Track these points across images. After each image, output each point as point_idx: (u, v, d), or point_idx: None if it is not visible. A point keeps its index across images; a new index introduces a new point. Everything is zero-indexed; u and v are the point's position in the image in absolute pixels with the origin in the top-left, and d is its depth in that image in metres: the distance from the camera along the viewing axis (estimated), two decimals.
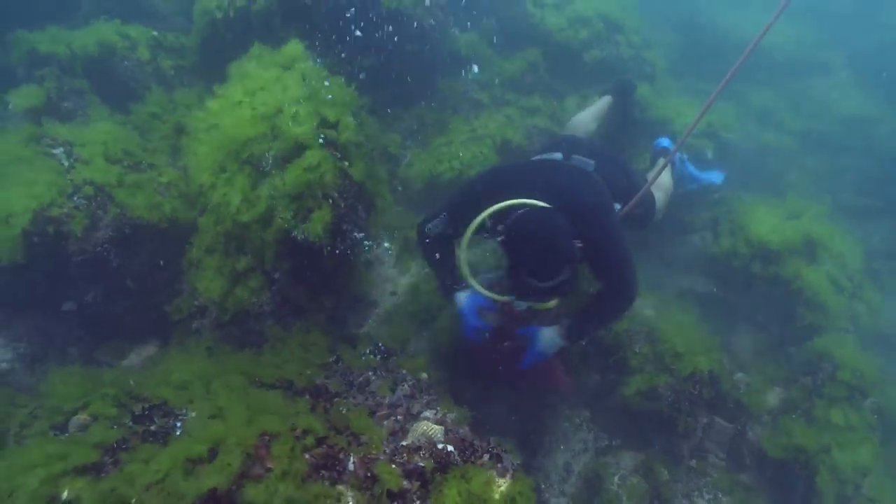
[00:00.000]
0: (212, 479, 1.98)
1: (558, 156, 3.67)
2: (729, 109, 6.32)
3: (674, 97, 6.00)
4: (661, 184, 4.46)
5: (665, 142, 4.95)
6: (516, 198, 2.89)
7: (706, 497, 3.98)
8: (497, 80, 5.99)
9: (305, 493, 2.02)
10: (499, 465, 2.28)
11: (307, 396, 2.79)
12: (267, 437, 2.19)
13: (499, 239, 2.80)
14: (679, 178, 5.04)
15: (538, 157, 3.82)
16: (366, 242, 3.98)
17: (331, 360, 3.31)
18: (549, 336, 3.25)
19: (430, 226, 3.36)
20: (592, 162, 3.55)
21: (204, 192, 3.75)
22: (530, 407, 4.07)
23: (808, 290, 5.00)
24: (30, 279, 3.46)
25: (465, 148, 5.31)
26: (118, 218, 3.48)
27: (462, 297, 3.28)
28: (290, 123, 3.66)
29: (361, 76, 5.00)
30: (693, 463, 4.15)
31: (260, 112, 3.69)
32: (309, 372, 3.07)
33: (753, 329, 5.16)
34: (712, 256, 5.33)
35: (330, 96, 4.01)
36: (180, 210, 3.82)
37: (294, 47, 4.18)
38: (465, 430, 2.55)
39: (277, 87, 3.89)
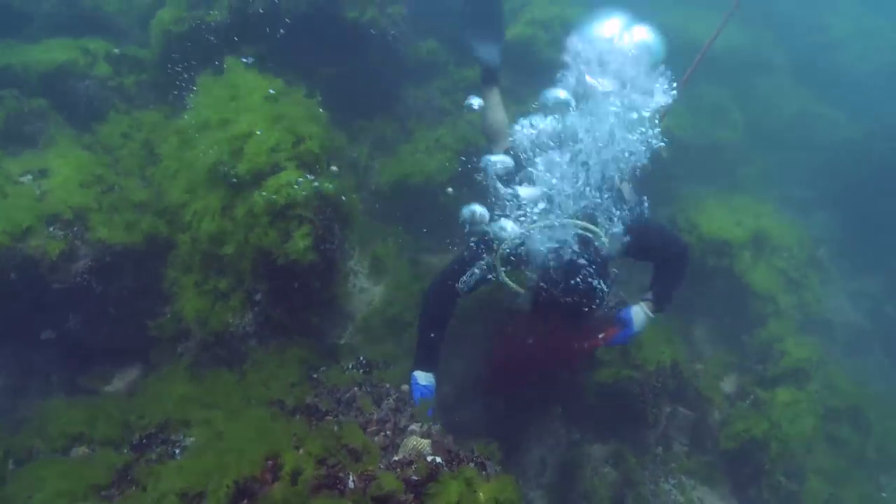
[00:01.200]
0: None
1: None
2: (681, 108, 6.61)
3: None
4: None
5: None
6: None
7: (671, 482, 4.27)
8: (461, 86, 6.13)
9: None
10: (483, 473, 2.47)
11: (299, 416, 2.92)
12: (271, 462, 2.33)
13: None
14: None
15: None
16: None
17: (316, 376, 3.43)
18: (640, 314, 3.54)
19: (463, 281, 3.44)
20: None
21: (179, 211, 3.81)
22: (505, 405, 4.27)
23: (758, 281, 5.34)
24: (8, 308, 3.48)
25: (430, 155, 5.45)
26: (97, 246, 3.52)
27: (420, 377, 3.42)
28: (261, 143, 3.76)
29: (325, 90, 5.12)
30: (659, 450, 4.43)
31: (231, 132, 3.77)
32: (298, 390, 3.19)
33: (710, 321, 5.48)
34: None
35: (299, 114, 4.12)
36: (157, 227, 3.86)
37: (256, 74, 4.26)
38: (449, 440, 2.72)
39: (247, 107, 3.97)
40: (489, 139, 4.96)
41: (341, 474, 2.35)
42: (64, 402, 3.02)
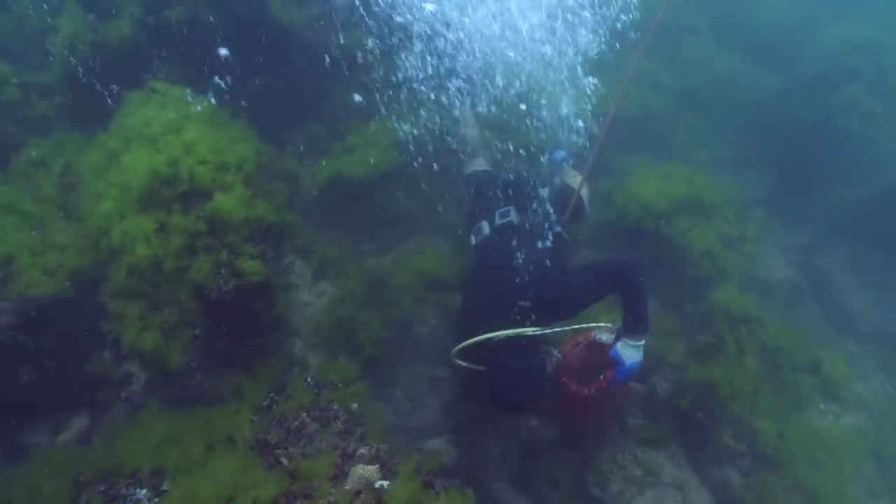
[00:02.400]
0: None
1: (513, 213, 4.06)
2: (608, 80, 6.67)
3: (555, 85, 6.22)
4: (577, 181, 4.80)
5: (560, 154, 5.20)
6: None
7: (628, 456, 4.43)
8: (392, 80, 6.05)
9: None
10: (431, 491, 2.53)
11: (251, 452, 2.93)
12: None
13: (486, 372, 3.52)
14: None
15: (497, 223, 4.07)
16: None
17: (265, 404, 3.43)
18: (626, 348, 3.56)
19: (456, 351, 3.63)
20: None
21: (110, 242, 3.69)
22: (461, 403, 4.35)
23: (694, 245, 5.49)
24: None
25: (364, 150, 5.40)
26: (18, 301, 3.41)
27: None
28: (190, 167, 3.69)
29: (253, 100, 5.01)
30: (616, 427, 4.58)
31: (159, 158, 3.68)
32: (248, 423, 3.19)
33: (653, 291, 5.62)
34: (606, 222, 5.73)
35: (229, 133, 4.04)
36: (83, 261, 3.75)
37: (180, 91, 4.15)
38: (398, 459, 2.78)
39: (174, 130, 3.88)
40: (464, 154, 4.97)
41: None
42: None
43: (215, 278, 3.49)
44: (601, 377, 3.75)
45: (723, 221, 5.78)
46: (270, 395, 3.55)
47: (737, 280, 5.51)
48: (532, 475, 4.32)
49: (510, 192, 4.24)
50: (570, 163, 5.26)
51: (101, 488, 2.88)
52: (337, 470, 2.71)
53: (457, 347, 3.52)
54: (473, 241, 4.12)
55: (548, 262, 3.69)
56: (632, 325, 3.55)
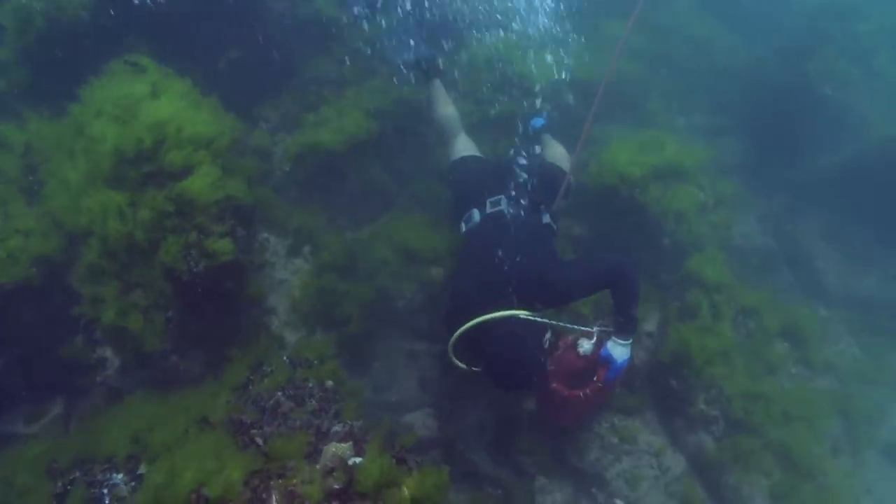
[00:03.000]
0: None
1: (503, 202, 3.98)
2: (581, 47, 6.58)
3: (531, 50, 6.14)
4: (561, 156, 4.83)
5: (539, 122, 5.13)
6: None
7: (604, 425, 4.51)
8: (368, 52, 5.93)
9: None
10: (404, 466, 2.56)
11: (225, 433, 2.93)
12: (195, 495, 2.35)
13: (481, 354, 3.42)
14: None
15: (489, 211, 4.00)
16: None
17: (241, 384, 3.43)
18: (616, 347, 3.65)
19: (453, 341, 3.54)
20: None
21: (77, 221, 3.62)
22: (439, 377, 4.39)
23: (669, 212, 5.51)
24: None
25: (338, 122, 5.30)
26: None
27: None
28: (160, 144, 3.61)
29: (225, 76, 4.89)
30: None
31: (128, 133, 3.59)
32: (224, 404, 3.19)
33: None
34: (581, 190, 5.71)
35: (202, 112, 3.95)
36: (50, 247, 3.67)
37: (150, 65, 4.04)
38: (372, 436, 2.80)
39: (144, 105, 3.77)
40: (439, 135, 4.86)
41: (264, 495, 2.39)
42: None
43: (185, 260, 3.44)
44: (594, 378, 3.80)
45: (698, 189, 5.79)
46: (248, 375, 3.55)
47: (711, 247, 5.55)
48: (510, 446, 4.39)
49: (500, 178, 4.17)
50: (550, 130, 5.22)
51: (77, 474, 2.88)
52: (311, 448, 2.72)
53: (452, 339, 3.44)
54: (463, 228, 4.06)
55: (540, 252, 3.69)
56: (622, 325, 3.63)
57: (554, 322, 3.55)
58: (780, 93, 6.66)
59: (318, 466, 2.56)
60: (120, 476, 2.88)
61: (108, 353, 3.66)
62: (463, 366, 3.60)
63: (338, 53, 5.83)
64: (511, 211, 3.92)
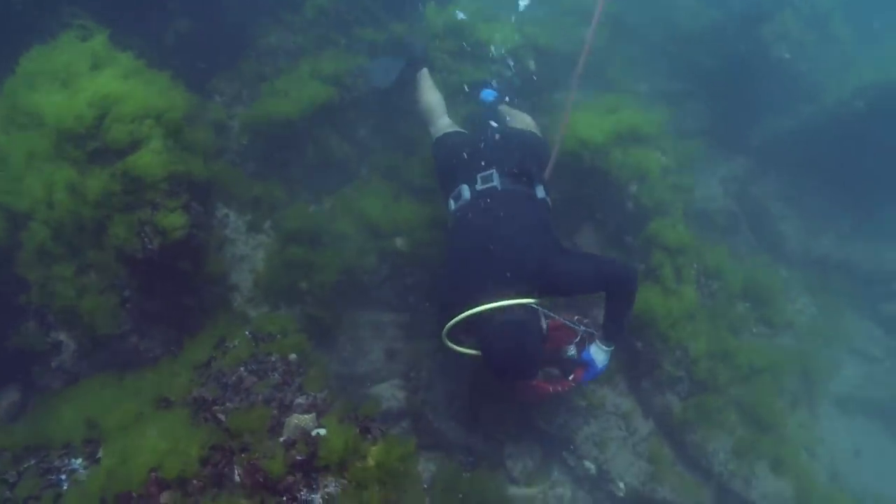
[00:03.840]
0: None
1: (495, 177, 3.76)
2: (540, 15, 6.53)
3: (490, 20, 6.04)
4: (529, 124, 4.79)
5: (489, 94, 5.05)
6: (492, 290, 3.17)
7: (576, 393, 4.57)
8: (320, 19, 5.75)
9: None
10: (368, 436, 2.55)
11: (187, 411, 2.88)
12: (155, 474, 2.30)
13: (478, 342, 3.25)
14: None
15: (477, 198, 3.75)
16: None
17: (203, 362, 3.36)
18: (599, 353, 3.71)
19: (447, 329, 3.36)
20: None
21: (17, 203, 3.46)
22: (404, 347, 4.38)
23: (632, 177, 5.53)
24: None
25: (295, 92, 5.16)
26: None
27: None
28: (108, 120, 3.46)
29: (177, 48, 4.69)
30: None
31: (72, 107, 3.42)
32: (184, 383, 3.13)
33: (594, 225, 5.69)
34: None
35: (152, 87, 3.79)
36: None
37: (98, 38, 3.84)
38: (336, 407, 2.78)
39: (89, 77, 3.60)
40: (425, 120, 4.70)
41: (226, 470, 2.36)
42: None
43: (140, 237, 3.33)
44: (570, 377, 3.81)
45: (660, 153, 5.83)
46: (210, 352, 3.48)
47: (674, 210, 5.60)
48: (479, 414, 4.41)
49: (491, 152, 3.94)
50: (506, 100, 5.17)
51: (32, 462, 2.79)
52: (274, 422, 2.69)
53: (448, 326, 3.23)
54: (453, 205, 3.81)
55: (539, 234, 3.52)
56: (611, 332, 3.67)
57: (547, 312, 3.42)
58: (739, 57, 6.70)
59: (280, 439, 2.53)
60: (79, 461, 2.80)
61: (62, 336, 3.54)
62: (462, 350, 3.40)
63: (293, 23, 5.67)
64: (503, 186, 3.69)
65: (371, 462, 2.46)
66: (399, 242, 4.56)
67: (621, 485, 4.49)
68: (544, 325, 3.34)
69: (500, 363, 3.17)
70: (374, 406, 2.80)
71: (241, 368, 3.17)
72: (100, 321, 3.46)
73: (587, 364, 3.72)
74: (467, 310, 3.12)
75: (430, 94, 4.76)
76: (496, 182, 3.70)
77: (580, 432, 4.55)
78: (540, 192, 3.83)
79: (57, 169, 3.38)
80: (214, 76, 5.29)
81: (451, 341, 3.37)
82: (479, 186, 3.72)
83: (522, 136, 4.34)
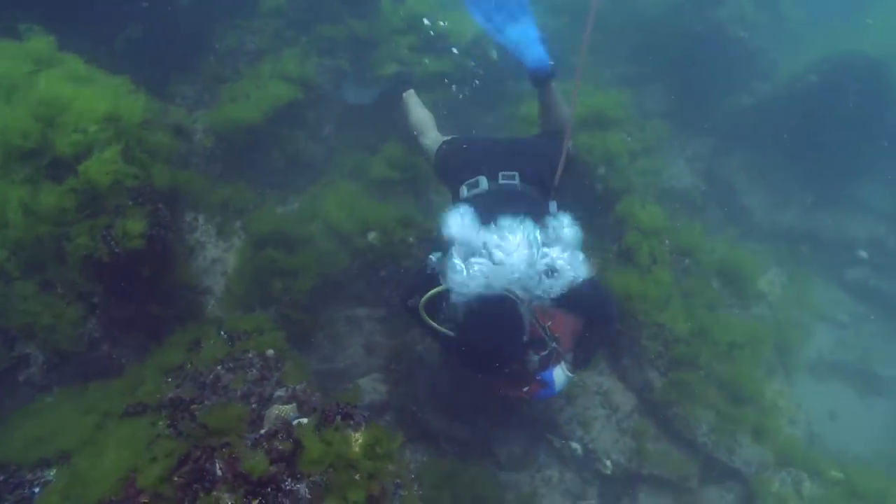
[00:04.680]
0: None
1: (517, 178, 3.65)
2: None
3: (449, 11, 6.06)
4: (565, 115, 4.32)
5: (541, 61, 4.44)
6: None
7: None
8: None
9: None
10: (351, 422, 2.52)
11: (164, 413, 2.82)
12: (132, 475, 2.24)
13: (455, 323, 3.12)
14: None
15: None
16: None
17: (177, 365, 3.29)
18: (561, 376, 3.72)
19: (410, 302, 3.35)
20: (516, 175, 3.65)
21: None
22: (382, 341, 4.35)
23: (601, 160, 5.60)
24: None
25: (257, 94, 5.12)
26: None
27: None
28: (67, 124, 3.36)
29: (131, 52, 4.59)
30: None
31: (21, 126, 3.30)
32: (161, 386, 3.07)
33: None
34: None
35: (107, 90, 3.70)
36: None
37: (43, 42, 3.73)
38: (316, 397, 2.75)
39: (39, 89, 3.48)
40: (416, 134, 4.55)
41: (208, 465, 2.31)
42: None
43: (105, 242, 3.25)
44: (525, 388, 3.76)
45: (626, 135, 5.91)
46: (185, 355, 3.41)
47: (643, 191, 5.68)
48: (461, 399, 4.40)
49: (514, 155, 3.87)
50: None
51: (2, 478, 2.70)
52: (254, 415, 2.65)
53: (425, 296, 3.12)
54: (465, 192, 3.68)
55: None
56: (579, 360, 3.73)
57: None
58: (697, 39, 6.84)
59: (262, 431, 2.49)
60: (53, 472, 2.72)
61: (30, 349, 3.42)
62: (443, 330, 3.26)
63: (251, 24, 5.62)
64: (523, 190, 3.63)
65: (356, 450, 2.44)
66: (371, 237, 4.53)
67: (608, 462, 4.53)
68: (527, 314, 3.20)
69: (477, 355, 3.14)
70: (355, 393, 2.76)
71: (219, 367, 3.11)
72: (62, 336, 3.37)
73: (546, 383, 3.70)
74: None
75: (420, 112, 4.64)
76: (517, 182, 3.65)
77: (563, 413, 4.58)
78: (553, 208, 3.71)
79: (8, 187, 3.27)
80: (174, 80, 5.21)
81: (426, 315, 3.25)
82: (500, 181, 3.67)
83: (549, 146, 3.98)
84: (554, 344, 3.58)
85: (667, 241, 5.30)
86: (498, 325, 3.02)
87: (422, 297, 3.15)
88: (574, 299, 3.27)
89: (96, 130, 3.45)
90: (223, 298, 4.25)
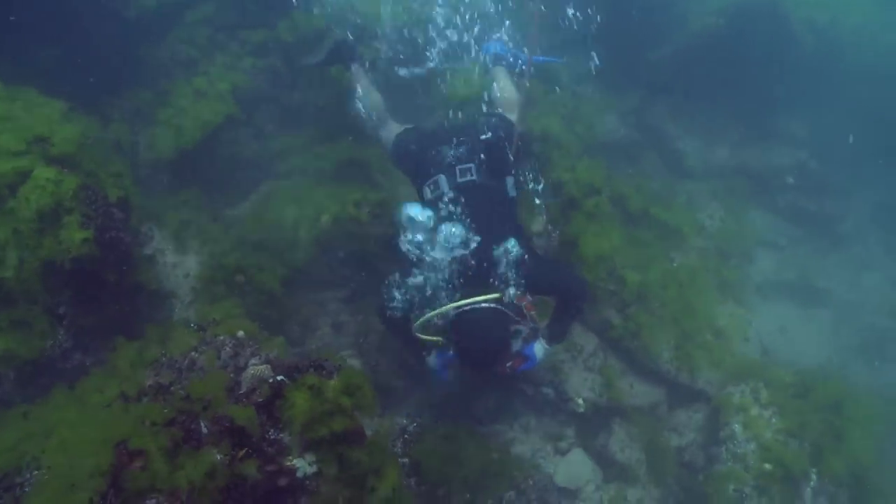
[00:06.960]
0: None
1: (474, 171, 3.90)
2: None
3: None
4: (511, 102, 4.70)
5: (494, 47, 5.02)
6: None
7: None
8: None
9: (177, 466, 2.28)
10: (324, 372, 2.69)
11: (144, 398, 2.92)
12: (123, 446, 2.36)
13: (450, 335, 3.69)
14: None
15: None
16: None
17: (154, 359, 3.38)
18: (541, 350, 4.06)
19: (389, 312, 3.77)
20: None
21: None
22: (349, 319, 4.51)
23: (535, 124, 5.80)
24: None
25: (198, 109, 5.19)
26: None
27: (433, 360, 4.13)
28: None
29: (53, 74, 4.62)
30: None
31: None
32: (137, 377, 3.17)
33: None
34: None
35: (37, 113, 3.76)
36: None
37: None
38: (289, 358, 2.90)
39: None
40: (375, 119, 4.69)
41: (193, 425, 2.45)
42: None
43: (62, 248, 3.34)
44: (508, 364, 3.99)
45: (556, 96, 6.15)
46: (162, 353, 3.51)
47: (579, 149, 5.93)
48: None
49: (465, 145, 4.00)
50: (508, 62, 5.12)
51: None
52: (231, 382, 2.78)
53: (419, 321, 3.62)
54: (428, 193, 3.89)
55: (512, 232, 3.73)
56: (556, 335, 4.07)
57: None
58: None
59: (241, 391, 2.64)
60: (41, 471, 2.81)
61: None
62: (434, 338, 3.83)
63: (181, 34, 5.67)
64: (480, 180, 3.86)
65: (332, 393, 2.60)
66: (324, 219, 4.67)
67: (580, 401, 4.78)
68: (511, 312, 3.64)
69: (472, 354, 3.64)
70: (328, 352, 2.93)
71: (192, 353, 3.23)
72: (32, 349, 3.46)
73: (527, 357, 4.04)
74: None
75: (373, 96, 4.70)
76: (475, 175, 3.88)
77: None
78: (511, 190, 4.06)
79: None
80: (109, 98, 5.23)
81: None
82: (458, 179, 3.86)
83: (501, 126, 4.22)
84: (532, 324, 3.91)
85: (607, 195, 5.52)
86: (488, 328, 3.53)
87: (412, 316, 3.69)
88: (543, 284, 3.80)
89: (25, 153, 3.53)
90: (189, 300, 4.34)
